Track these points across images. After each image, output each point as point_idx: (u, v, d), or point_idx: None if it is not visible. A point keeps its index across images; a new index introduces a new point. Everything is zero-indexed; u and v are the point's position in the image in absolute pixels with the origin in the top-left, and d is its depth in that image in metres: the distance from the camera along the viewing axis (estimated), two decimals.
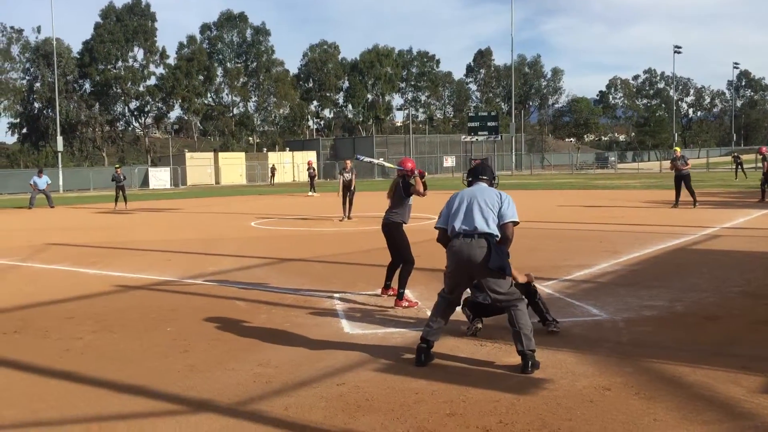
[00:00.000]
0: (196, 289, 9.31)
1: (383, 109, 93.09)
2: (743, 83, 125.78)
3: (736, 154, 45.09)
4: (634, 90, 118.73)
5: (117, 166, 28.56)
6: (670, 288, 8.58)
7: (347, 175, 19.62)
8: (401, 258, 8.13)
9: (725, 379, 5.11)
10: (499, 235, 5.60)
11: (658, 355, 5.75)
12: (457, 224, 5.63)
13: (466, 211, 5.65)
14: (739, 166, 39.57)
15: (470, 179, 6.10)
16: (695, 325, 6.85)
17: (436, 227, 5.89)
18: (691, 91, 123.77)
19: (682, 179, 20.69)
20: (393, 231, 8.25)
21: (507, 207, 5.68)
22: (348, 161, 20.88)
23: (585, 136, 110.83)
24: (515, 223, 5.70)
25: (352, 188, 19.47)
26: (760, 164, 23.61)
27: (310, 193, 32.74)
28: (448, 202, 5.85)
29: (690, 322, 6.96)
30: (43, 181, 28.84)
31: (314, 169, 34.75)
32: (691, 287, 8.61)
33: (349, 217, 19.15)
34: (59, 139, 52.84)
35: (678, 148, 22.42)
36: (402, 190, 8.37)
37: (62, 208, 29.39)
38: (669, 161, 23.98)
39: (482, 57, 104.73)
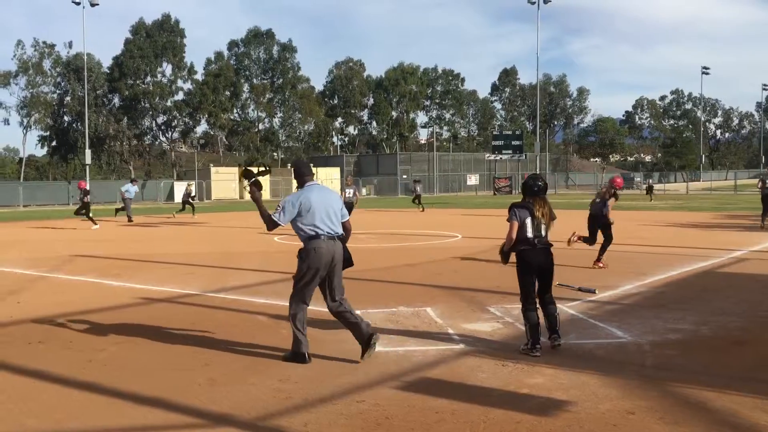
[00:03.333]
0: (218, 302, 9.36)
1: (407, 126, 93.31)
2: None
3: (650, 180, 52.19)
4: (661, 110, 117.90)
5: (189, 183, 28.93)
6: (696, 311, 8.45)
7: (349, 192, 19.40)
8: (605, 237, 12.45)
9: (752, 406, 5.01)
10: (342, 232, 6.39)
11: (684, 380, 5.66)
12: (323, 227, 6.18)
13: (326, 214, 6.23)
14: (649, 190, 45.43)
15: (300, 181, 6.44)
16: (722, 349, 6.74)
17: (277, 224, 6.21)
18: (719, 113, 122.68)
19: (764, 200, 20.45)
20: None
21: (344, 208, 6.50)
22: (350, 177, 20.82)
23: (610, 156, 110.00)
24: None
25: (354, 205, 19.24)
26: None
27: (194, 217, 29.07)
28: (294, 202, 6.19)
29: (716, 346, 6.85)
30: (133, 191, 27.81)
31: (192, 191, 30.65)
32: (718, 311, 8.48)
33: None
34: (88, 152, 53.55)
35: None
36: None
37: (88, 220, 29.74)
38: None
39: (507, 76, 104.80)
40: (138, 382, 5.74)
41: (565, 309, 8.55)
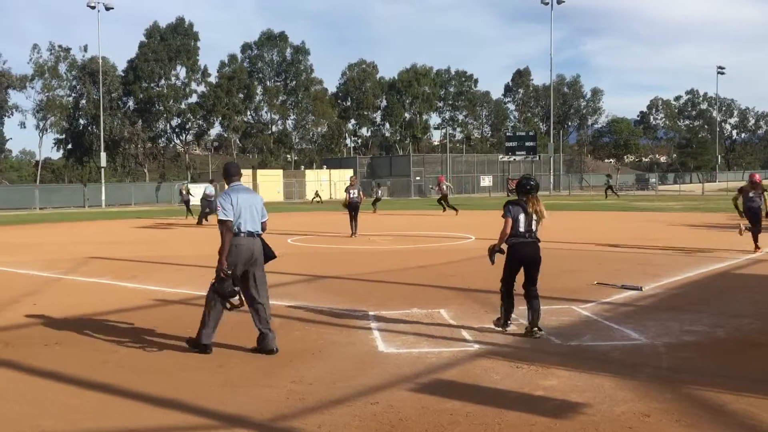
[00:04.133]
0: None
1: (420, 128, 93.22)
2: None
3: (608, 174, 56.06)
4: (676, 111, 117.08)
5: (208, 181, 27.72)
6: (712, 313, 8.38)
7: (354, 192, 19.69)
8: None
9: None
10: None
11: (700, 382, 5.61)
12: (243, 225, 6.69)
13: (249, 214, 6.73)
14: (610, 188, 48.56)
15: (228, 180, 6.95)
16: (738, 351, 6.68)
17: (226, 220, 6.59)
18: (735, 113, 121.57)
19: None
20: None
21: (264, 208, 6.96)
22: (353, 178, 21.16)
23: (625, 157, 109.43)
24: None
25: (359, 205, 19.65)
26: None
27: (187, 217, 29.37)
28: (228, 199, 6.67)
29: (733, 348, 6.79)
30: (212, 192, 26.51)
31: (187, 193, 31.09)
32: (734, 313, 8.41)
33: (354, 234, 19.27)
34: (103, 155, 54.03)
35: None
36: None
37: (103, 222, 29.98)
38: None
39: (521, 76, 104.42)
40: (153, 383, 5.77)
41: (579, 311, 8.52)
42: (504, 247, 7.21)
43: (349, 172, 63.96)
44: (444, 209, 29.12)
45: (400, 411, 5.00)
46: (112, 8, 52.42)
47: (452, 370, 6.05)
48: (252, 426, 4.80)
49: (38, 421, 4.95)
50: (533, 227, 7.13)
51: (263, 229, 6.96)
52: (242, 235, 6.70)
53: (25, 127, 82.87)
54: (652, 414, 4.87)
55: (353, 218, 19.45)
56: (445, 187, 30.13)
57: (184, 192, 31.38)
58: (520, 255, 7.12)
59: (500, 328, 7.34)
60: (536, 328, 7.13)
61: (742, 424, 4.68)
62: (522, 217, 7.08)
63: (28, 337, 7.61)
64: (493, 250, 7.25)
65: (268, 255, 6.95)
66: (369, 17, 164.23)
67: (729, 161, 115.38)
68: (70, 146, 71.43)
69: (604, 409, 4.98)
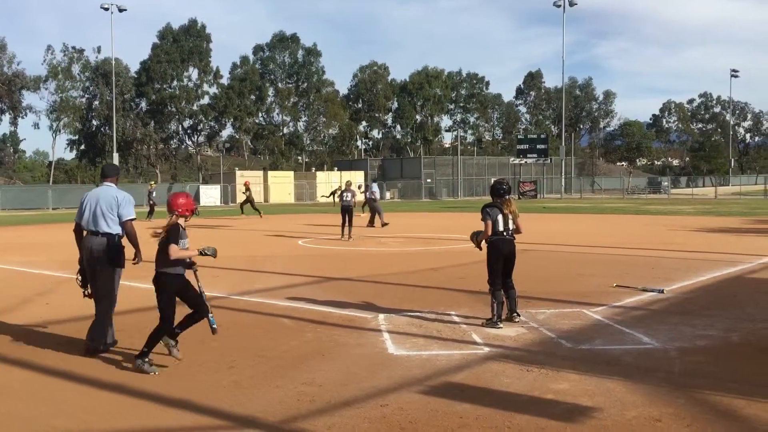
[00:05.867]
0: (242, 305, 9.42)
1: (432, 130, 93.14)
2: None
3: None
4: (689, 114, 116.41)
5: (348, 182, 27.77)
6: (725, 318, 8.33)
7: (347, 196, 19.82)
8: None
9: None
10: (122, 233, 6.95)
11: (712, 387, 5.58)
12: (85, 224, 6.92)
13: (93, 213, 6.88)
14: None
15: (102, 180, 7.26)
16: (751, 356, 6.64)
17: (76, 221, 7.03)
18: (749, 116, 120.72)
19: None
20: None
21: (124, 208, 6.96)
22: (348, 182, 21.36)
23: (637, 160, 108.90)
24: (132, 220, 7.04)
25: (352, 208, 19.75)
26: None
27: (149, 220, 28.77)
28: (82, 200, 7.05)
29: (746, 353, 6.75)
30: (378, 191, 26.84)
31: (153, 192, 33.17)
32: (748, 317, 8.35)
33: (349, 237, 19.31)
34: (115, 155, 54.35)
35: None
36: None
37: None
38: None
39: (532, 79, 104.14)
40: (165, 384, 5.80)
41: (590, 314, 8.49)
42: (483, 245, 8.12)
43: (360, 175, 64.18)
44: (260, 214, 31.47)
45: (409, 413, 5.00)
46: (125, 10, 52.82)
47: (462, 372, 6.04)
48: (263, 427, 4.81)
49: (51, 421, 4.99)
50: (510, 226, 8.03)
51: (128, 230, 7.02)
52: (85, 233, 6.98)
53: (38, 128, 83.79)
54: (663, 419, 4.85)
55: (348, 223, 19.47)
56: (249, 192, 32.81)
57: (154, 194, 31.86)
58: (502, 250, 7.92)
59: (494, 328, 7.65)
60: (515, 314, 8.03)
61: (754, 429, 4.66)
62: (500, 217, 7.97)
63: (40, 336, 7.66)
64: (476, 241, 8.21)
65: (111, 258, 6.92)
66: (381, 19, 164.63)
67: (742, 165, 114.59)
68: (83, 147, 71.91)
69: (614, 414, 4.96)
